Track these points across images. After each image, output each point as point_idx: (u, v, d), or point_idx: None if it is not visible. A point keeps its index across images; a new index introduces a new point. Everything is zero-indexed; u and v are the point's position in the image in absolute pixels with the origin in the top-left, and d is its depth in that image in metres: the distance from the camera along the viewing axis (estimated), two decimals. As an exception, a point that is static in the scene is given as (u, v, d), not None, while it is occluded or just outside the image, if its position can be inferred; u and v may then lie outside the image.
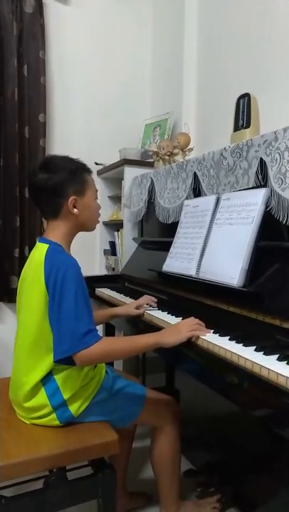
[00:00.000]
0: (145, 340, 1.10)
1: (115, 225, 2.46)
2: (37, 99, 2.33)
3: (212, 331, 1.10)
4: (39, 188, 1.15)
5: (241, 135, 1.46)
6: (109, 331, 2.08)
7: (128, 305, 1.48)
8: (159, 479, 1.31)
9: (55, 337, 1.04)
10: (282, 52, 1.69)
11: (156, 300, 1.47)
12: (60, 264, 1.07)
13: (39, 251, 1.12)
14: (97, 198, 1.26)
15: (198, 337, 1.07)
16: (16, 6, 2.25)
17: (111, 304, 1.72)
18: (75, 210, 1.16)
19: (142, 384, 1.38)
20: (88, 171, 1.22)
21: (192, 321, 1.11)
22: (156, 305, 1.46)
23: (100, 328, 1.97)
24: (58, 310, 1.03)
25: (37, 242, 1.18)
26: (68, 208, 1.15)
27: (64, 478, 1.04)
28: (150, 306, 1.46)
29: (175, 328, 1.11)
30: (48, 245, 1.12)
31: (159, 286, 1.63)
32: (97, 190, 1.26)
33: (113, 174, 2.44)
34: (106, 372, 1.23)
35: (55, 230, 1.17)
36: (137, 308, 1.43)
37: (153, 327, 1.31)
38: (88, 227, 1.24)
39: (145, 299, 1.47)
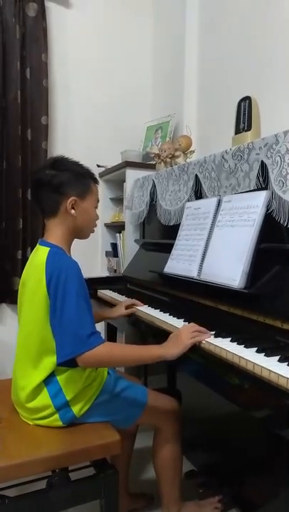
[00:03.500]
0: (149, 353, 1.11)
1: (117, 227, 2.47)
2: (39, 101, 2.35)
3: (213, 332, 1.10)
4: (43, 183, 1.17)
5: (242, 138, 1.47)
6: (111, 332, 2.09)
7: (118, 306, 1.55)
8: (160, 480, 1.31)
9: (57, 340, 1.05)
10: (284, 55, 1.70)
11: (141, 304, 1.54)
12: (61, 268, 1.07)
13: (40, 254, 1.13)
14: (96, 208, 1.26)
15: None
16: (19, 10, 2.27)
17: (113, 305, 1.73)
18: (73, 211, 1.17)
19: (144, 385, 1.39)
20: (95, 180, 1.25)
21: (191, 327, 1.11)
22: (142, 305, 1.52)
23: (101, 330, 1.98)
24: (60, 313, 1.04)
25: (37, 245, 1.19)
26: (66, 208, 1.16)
27: (67, 478, 1.05)
28: (137, 305, 1.53)
29: (176, 338, 1.10)
30: (48, 248, 1.13)
31: (161, 287, 1.64)
32: (98, 201, 1.27)
33: (115, 176, 2.45)
34: (108, 373, 1.24)
35: (54, 232, 1.18)
36: (127, 308, 1.51)
37: (154, 328, 1.33)
38: (82, 233, 1.24)
39: (133, 300, 1.55)
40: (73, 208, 1.17)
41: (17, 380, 1.17)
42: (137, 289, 1.87)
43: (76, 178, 1.18)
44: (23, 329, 1.16)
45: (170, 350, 1.08)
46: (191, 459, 1.68)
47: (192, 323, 1.13)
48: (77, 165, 1.21)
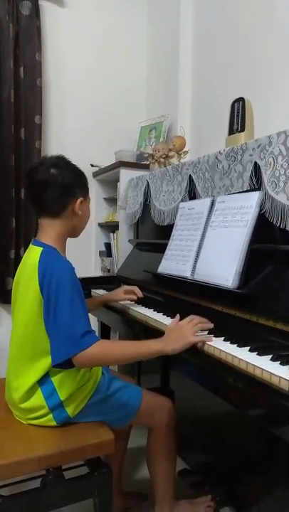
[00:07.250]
0: (148, 348, 1.08)
1: (111, 227, 2.48)
2: (33, 101, 2.35)
3: (206, 332, 1.10)
4: (48, 183, 1.13)
5: (236, 139, 1.48)
6: (105, 331, 2.09)
7: (116, 290, 1.57)
8: (154, 479, 1.32)
9: (52, 341, 1.05)
10: (277, 56, 1.72)
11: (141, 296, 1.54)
12: (54, 268, 1.07)
13: (33, 254, 1.12)
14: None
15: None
16: (13, 8, 2.26)
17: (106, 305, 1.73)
18: (80, 212, 1.18)
19: (138, 384, 1.39)
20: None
21: (194, 320, 1.10)
22: (141, 295, 1.53)
23: (95, 329, 1.98)
24: (54, 314, 1.03)
25: (30, 245, 1.17)
26: (74, 209, 1.17)
27: (61, 477, 1.05)
28: (137, 296, 1.53)
29: (177, 332, 1.09)
30: (41, 248, 1.12)
31: (155, 287, 1.65)
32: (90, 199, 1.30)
33: (109, 176, 2.45)
34: (102, 373, 1.24)
35: (50, 232, 1.17)
36: (125, 294, 1.54)
37: (148, 328, 1.33)
38: (77, 232, 1.26)
39: (133, 287, 1.55)
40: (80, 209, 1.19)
41: (11, 381, 1.16)
42: (130, 288, 1.87)
43: (80, 179, 1.20)
44: (17, 329, 1.15)
45: (170, 344, 1.06)
46: (184, 458, 1.69)
47: (192, 316, 1.11)
48: (75, 166, 1.22)
